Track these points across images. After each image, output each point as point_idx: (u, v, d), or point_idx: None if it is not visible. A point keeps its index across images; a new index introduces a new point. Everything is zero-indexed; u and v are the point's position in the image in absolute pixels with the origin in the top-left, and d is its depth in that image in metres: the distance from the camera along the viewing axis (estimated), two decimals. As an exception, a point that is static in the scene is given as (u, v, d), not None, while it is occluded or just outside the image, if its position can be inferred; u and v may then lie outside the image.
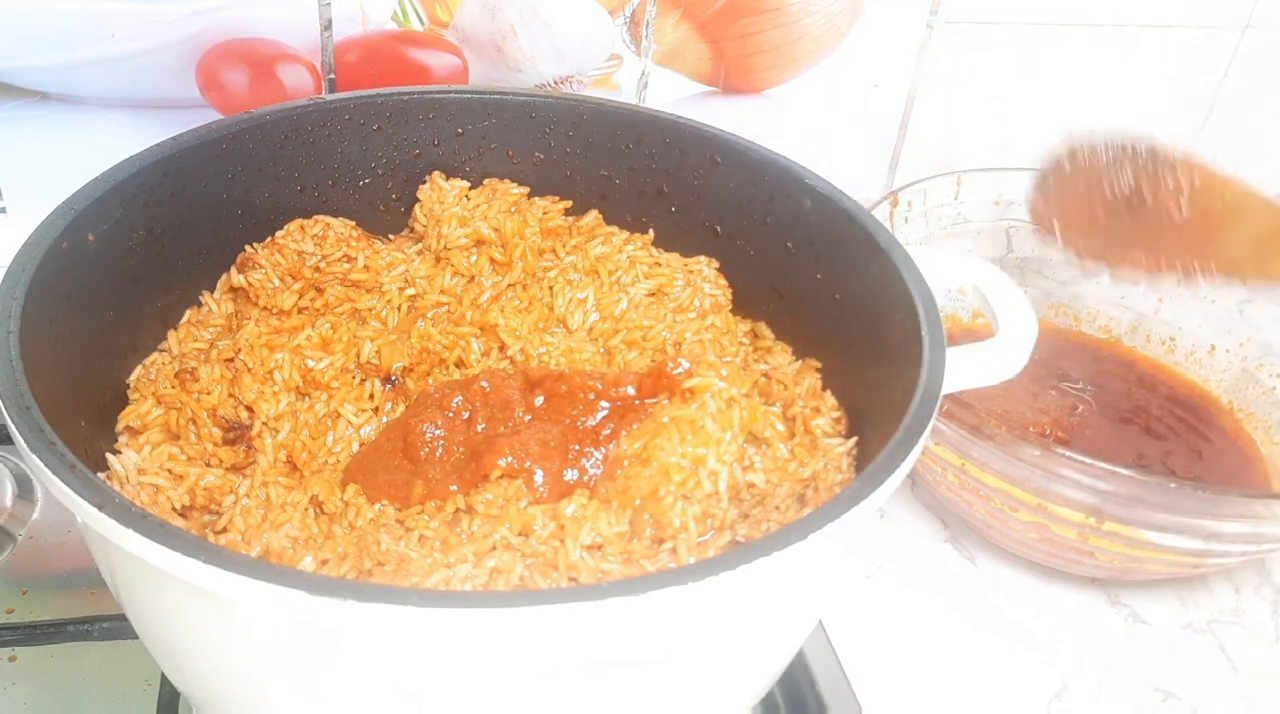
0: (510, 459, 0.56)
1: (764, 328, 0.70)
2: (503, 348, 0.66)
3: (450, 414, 0.60)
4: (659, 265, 0.71)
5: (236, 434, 0.60)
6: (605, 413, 0.60)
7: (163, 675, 0.65)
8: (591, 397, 0.60)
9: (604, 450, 0.58)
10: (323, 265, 0.68)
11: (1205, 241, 0.74)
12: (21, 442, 0.45)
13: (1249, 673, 0.75)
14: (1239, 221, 0.75)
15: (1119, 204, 0.75)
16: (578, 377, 0.61)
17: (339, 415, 0.61)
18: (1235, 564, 0.81)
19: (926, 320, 0.55)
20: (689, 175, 0.70)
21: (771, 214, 0.68)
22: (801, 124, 1.06)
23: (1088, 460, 0.68)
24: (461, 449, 0.59)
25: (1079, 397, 0.90)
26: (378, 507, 0.57)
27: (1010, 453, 0.70)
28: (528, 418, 0.60)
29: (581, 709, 0.46)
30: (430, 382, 0.64)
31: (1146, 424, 0.88)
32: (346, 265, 0.68)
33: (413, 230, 0.73)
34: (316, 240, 0.68)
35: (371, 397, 0.63)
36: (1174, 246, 0.74)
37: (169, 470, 0.56)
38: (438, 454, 0.58)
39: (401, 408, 0.63)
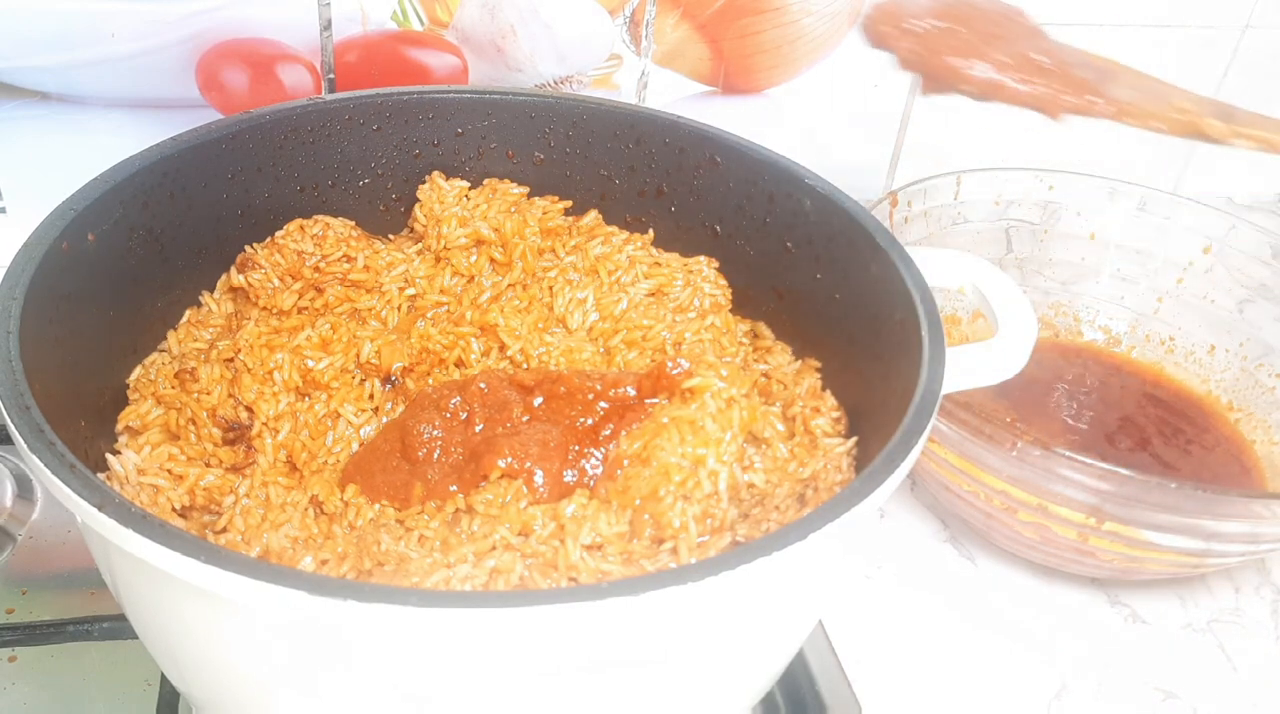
0: (510, 460, 0.56)
1: (764, 328, 0.70)
2: (502, 348, 0.66)
3: (448, 415, 0.60)
4: (659, 265, 0.71)
5: (236, 434, 0.60)
6: (605, 413, 0.60)
7: (163, 675, 0.65)
8: (590, 397, 0.60)
9: (604, 451, 0.58)
10: (322, 265, 0.68)
11: (1100, 82, 0.69)
12: (21, 442, 0.45)
13: (1249, 673, 0.75)
14: (1111, 75, 0.70)
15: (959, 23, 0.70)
16: (576, 377, 0.61)
17: (339, 415, 0.61)
18: (1235, 564, 0.81)
19: (926, 320, 0.55)
20: (689, 175, 0.70)
21: (771, 214, 0.68)
22: (801, 124, 1.06)
23: (1088, 460, 0.68)
24: (460, 450, 0.59)
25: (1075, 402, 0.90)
26: (377, 507, 0.57)
27: (1010, 453, 0.70)
28: (526, 418, 0.60)
29: (581, 709, 0.46)
30: (430, 382, 0.64)
31: (1141, 428, 0.88)
32: (346, 265, 0.68)
33: (412, 230, 0.73)
34: (316, 240, 0.68)
35: (371, 397, 0.63)
36: (1020, 72, 0.68)
37: (169, 471, 0.56)
38: (435, 455, 0.58)
39: (401, 408, 0.63)
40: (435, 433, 0.59)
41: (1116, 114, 0.67)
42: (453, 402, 0.60)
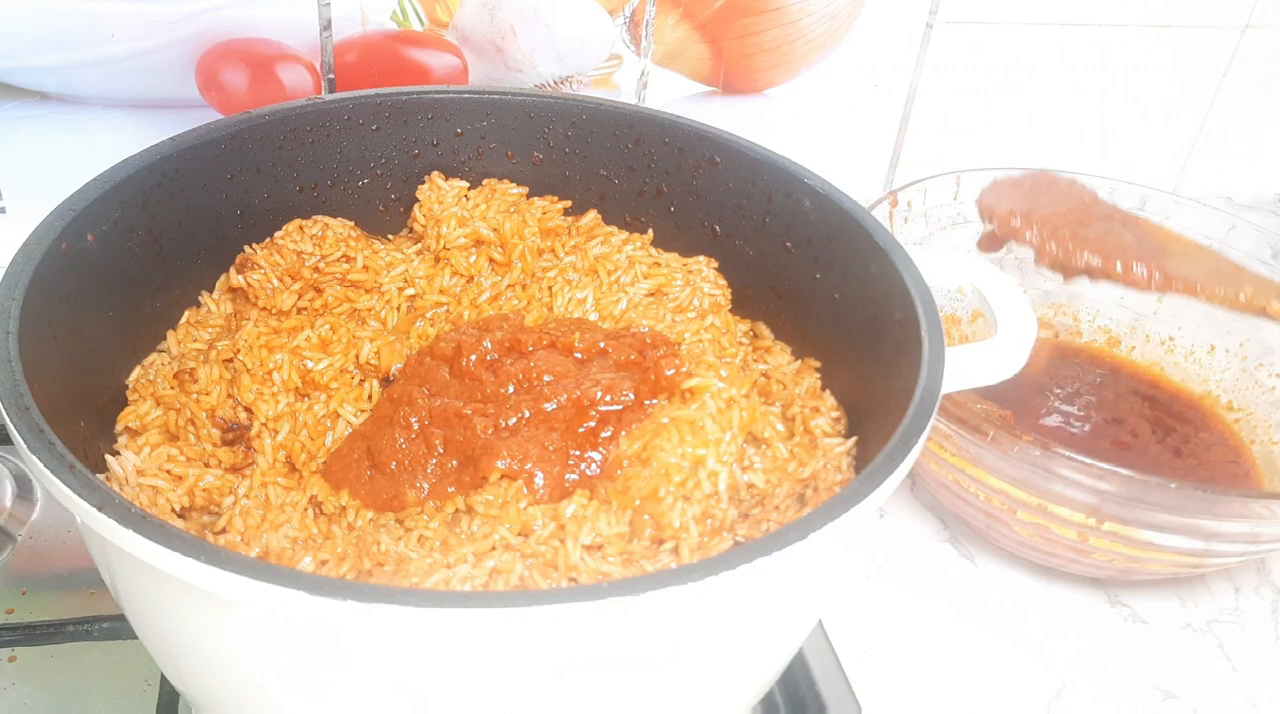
0: (509, 461, 0.56)
1: (763, 328, 0.70)
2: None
3: (404, 427, 0.59)
4: (658, 265, 0.71)
5: (235, 435, 0.60)
6: (604, 414, 0.60)
7: (163, 675, 0.65)
8: (586, 404, 0.59)
9: (604, 451, 0.58)
10: (322, 265, 0.68)
11: (1156, 259, 0.75)
12: (21, 442, 0.45)
13: (1249, 673, 0.75)
14: (1182, 253, 0.77)
15: (1069, 214, 0.75)
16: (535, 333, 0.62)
17: (338, 416, 0.61)
18: (1235, 564, 0.81)
19: (926, 320, 0.55)
20: (688, 175, 0.70)
21: (771, 214, 0.68)
22: (801, 124, 1.06)
23: (1088, 460, 0.68)
24: (435, 459, 0.58)
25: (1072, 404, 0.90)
26: (377, 507, 0.57)
27: (1010, 453, 0.70)
28: (491, 431, 0.59)
29: (581, 709, 0.46)
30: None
31: (1140, 428, 0.88)
32: (345, 265, 0.68)
33: (412, 230, 0.73)
34: (315, 240, 0.68)
35: (370, 397, 0.63)
36: (1126, 255, 0.73)
37: (168, 471, 0.56)
38: (408, 464, 0.58)
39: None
40: (402, 445, 0.58)
41: (1187, 290, 0.72)
42: (411, 420, 0.59)
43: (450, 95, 0.72)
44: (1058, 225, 0.70)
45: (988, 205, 0.74)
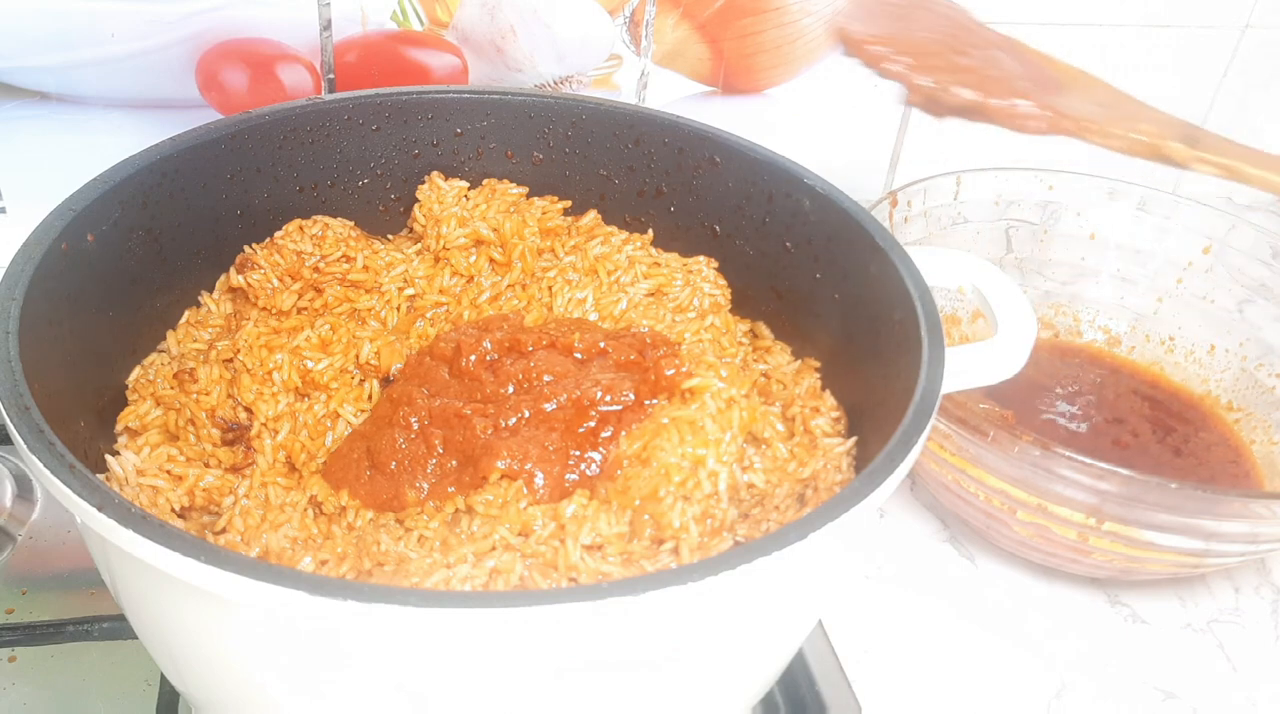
0: (509, 461, 0.56)
1: (763, 328, 0.70)
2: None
3: (403, 427, 0.59)
4: (658, 265, 0.71)
5: (235, 435, 0.60)
6: (604, 414, 0.60)
7: (162, 675, 0.65)
8: (586, 404, 0.59)
9: (604, 451, 0.58)
10: (322, 265, 0.68)
11: (1044, 93, 0.64)
12: (21, 442, 0.45)
13: (1249, 673, 0.75)
14: (1075, 87, 0.67)
15: (942, 39, 0.65)
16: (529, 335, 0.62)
17: (338, 416, 0.61)
18: (1235, 564, 0.81)
19: (925, 320, 0.55)
20: (688, 175, 0.70)
21: (770, 214, 0.68)
22: (801, 124, 1.06)
23: (1088, 460, 0.68)
24: (435, 459, 0.58)
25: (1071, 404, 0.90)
26: (376, 507, 0.57)
27: (1010, 453, 0.70)
28: (490, 432, 0.59)
29: (581, 709, 0.46)
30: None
31: (1140, 428, 0.88)
32: (345, 265, 0.68)
33: (412, 230, 0.73)
34: (315, 241, 0.68)
35: (370, 397, 0.63)
36: (1006, 87, 0.63)
37: (168, 471, 0.56)
38: (408, 464, 0.58)
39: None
40: (402, 445, 0.58)
41: (1079, 130, 0.64)
42: (411, 420, 0.59)
43: (450, 95, 0.72)
44: (929, 53, 0.60)
45: (846, 30, 0.64)
